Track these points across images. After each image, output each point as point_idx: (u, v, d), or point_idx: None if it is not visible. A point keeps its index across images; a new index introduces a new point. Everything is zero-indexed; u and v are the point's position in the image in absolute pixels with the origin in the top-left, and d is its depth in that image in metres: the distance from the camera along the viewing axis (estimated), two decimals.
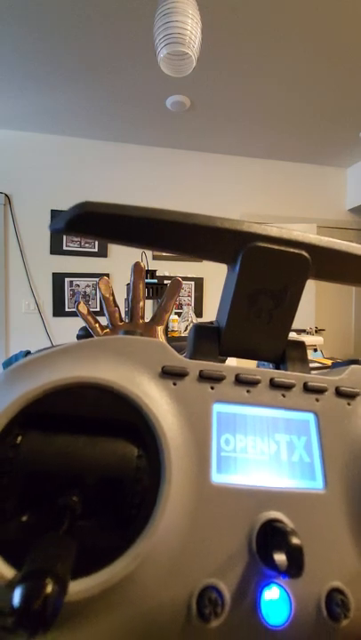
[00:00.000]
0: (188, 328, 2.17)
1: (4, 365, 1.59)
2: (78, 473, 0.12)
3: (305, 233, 0.17)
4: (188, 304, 2.92)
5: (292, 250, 0.16)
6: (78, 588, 0.11)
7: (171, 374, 0.15)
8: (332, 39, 1.74)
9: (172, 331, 2.10)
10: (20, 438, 0.12)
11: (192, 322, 2.19)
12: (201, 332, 0.19)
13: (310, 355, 1.72)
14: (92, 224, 0.15)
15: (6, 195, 2.65)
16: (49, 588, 0.08)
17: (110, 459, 0.13)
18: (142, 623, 0.12)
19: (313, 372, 0.19)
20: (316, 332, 2.79)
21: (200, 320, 2.74)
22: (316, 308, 3.06)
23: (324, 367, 1.19)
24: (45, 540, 0.10)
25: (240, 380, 0.16)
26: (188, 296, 3.01)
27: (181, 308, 2.46)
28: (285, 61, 1.92)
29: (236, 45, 1.79)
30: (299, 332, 2.28)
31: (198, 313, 2.94)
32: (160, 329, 0.44)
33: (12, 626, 0.08)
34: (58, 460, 0.12)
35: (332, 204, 3.35)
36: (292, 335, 0.19)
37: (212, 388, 0.16)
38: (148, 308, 2.78)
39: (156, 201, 2.94)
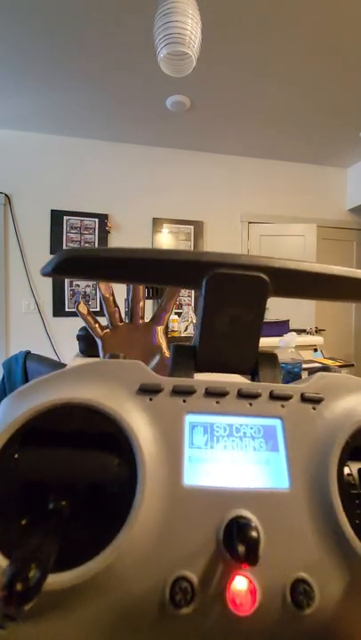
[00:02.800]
0: (189, 328, 2.17)
1: (4, 365, 1.59)
2: (67, 481, 0.14)
3: (261, 256, 0.18)
4: (188, 304, 2.92)
5: (249, 273, 0.18)
6: (64, 578, 0.13)
7: (147, 391, 0.17)
8: (332, 39, 1.74)
9: (173, 331, 2.10)
10: (17, 454, 0.15)
11: (192, 322, 2.19)
12: (179, 351, 0.21)
13: (311, 355, 1.72)
14: (75, 267, 0.18)
15: (6, 195, 2.65)
16: (32, 571, 0.10)
17: (93, 468, 0.15)
18: (122, 610, 0.13)
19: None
20: (316, 332, 2.79)
21: None
22: (316, 309, 3.06)
23: (324, 368, 1.19)
24: (32, 534, 0.12)
25: (209, 393, 0.18)
26: (189, 296, 3.01)
27: (181, 308, 2.46)
28: (286, 61, 1.92)
29: (236, 45, 1.79)
30: (299, 332, 2.28)
31: None
32: (160, 329, 0.44)
33: (1, 601, 0.10)
34: (50, 471, 0.14)
35: (332, 204, 3.35)
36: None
37: (184, 401, 0.17)
38: (148, 308, 2.78)
39: (157, 201, 2.94)
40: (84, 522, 0.14)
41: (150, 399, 0.17)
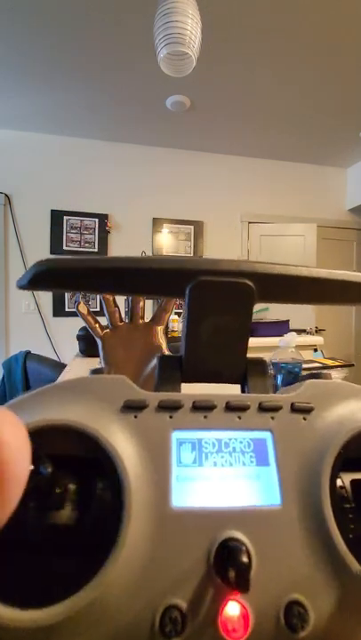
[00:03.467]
0: None
1: (4, 365, 1.59)
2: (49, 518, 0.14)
3: (246, 260, 0.18)
4: None
5: (234, 280, 0.17)
6: (46, 614, 0.12)
7: (131, 408, 0.16)
8: (332, 39, 1.74)
9: (172, 331, 2.10)
10: None
11: None
12: (164, 362, 0.20)
13: (311, 355, 1.72)
14: (52, 279, 0.17)
15: (6, 195, 2.65)
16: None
17: (77, 493, 0.14)
18: None
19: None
20: (316, 332, 2.79)
21: None
22: (316, 308, 3.06)
23: (324, 367, 1.19)
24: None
25: (197, 407, 0.17)
26: None
27: (181, 308, 2.45)
28: (286, 61, 1.92)
29: (236, 45, 1.79)
30: (299, 332, 2.28)
31: None
32: (160, 329, 0.44)
33: None
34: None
35: (332, 204, 3.35)
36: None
37: (170, 416, 0.17)
38: (148, 308, 2.78)
39: (157, 201, 2.94)
40: (67, 551, 0.13)
41: (135, 416, 0.16)
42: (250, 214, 3.15)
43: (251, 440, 0.17)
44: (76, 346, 1.65)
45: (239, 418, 0.17)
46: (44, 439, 0.14)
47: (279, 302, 0.19)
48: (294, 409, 0.17)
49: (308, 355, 1.68)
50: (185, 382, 0.20)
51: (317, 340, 2.00)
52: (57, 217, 2.74)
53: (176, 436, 0.16)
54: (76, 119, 2.53)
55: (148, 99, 2.27)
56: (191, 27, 1.21)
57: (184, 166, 3.00)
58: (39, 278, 0.17)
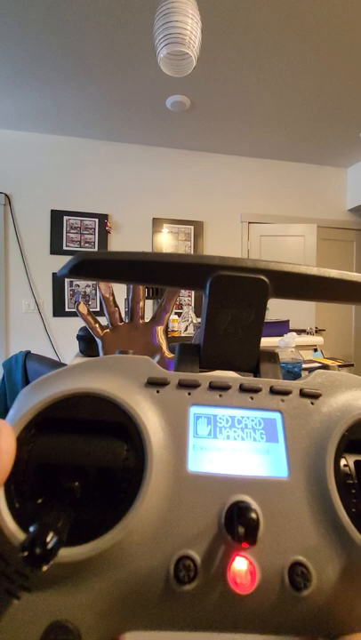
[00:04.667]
0: (189, 328, 2.17)
1: (4, 365, 1.59)
2: (79, 465, 0.15)
3: (262, 259, 0.20)
4: (189, 304, 2.92)
5: (250, 275, 0.19)
6: (76, 551, 0.14)
7: (154, 384, 0.18)
8: (332, 39, 1.75)
9: (172, 331, 2.10)
10: (34, 439, 0.16)
11: (192, 322, 2.19)
12: (184, 349, 0.22)
13: (311, 355, 1.72)
14: (89, 269, 0.19)
15: (6, 195, 2.65)
16: (50, 535, 0.12)
17: (104, 453, 0.16)
18: (129, 585, 0.14)
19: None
20: (316, 332, 2.79)
21: (200, 320, 2.73)
22: (316, 309, 3.06)
23: (324, 367, 1.19)
24: (50, 508, 0.14)
25: (213, 387, 0.19)
26: (189, 296, 3.01)
27: (181, 308, 2.46)
28: (286, 61, 1.92)
29: (236, 45, 1.79)
30: (299, 332, 2.27)
31: (198, 313, 2.94)
32: (160, 329, 0.44)
33: (22, 562, 0.12)
34: (63, 455, 0.16)
35: (332, 204, 3.35)
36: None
37: (189, 393, 0.18)
38: (148, 308, 2.78)
39: (157, 201, 2.94)
40: (95, 502, 0.15)
41: (157, 391, 0.18)
42: (250, 214, 3.15)
43: (262, 419, 0.18)
44: (76, 346, 1.65)
45: (251, 398, 0.19)
46: (74, 406, 0.17)
47: (290, 298, 0.21)
48: (303, 394, 0.19)
49: (307, 355, 1.68)
50: (202, 369, 0.21)
51: (317, 339, 2.00)
52: (57, 217, 2.74)
53: (193, 410, 0.18)
54: (76, 119, 2.53)
55: (148, 99, 2.27)
56: (191, 27, 1.21)
57: (184, 166, 3.00)
58: (79, 268, 0.19)
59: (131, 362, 0.19)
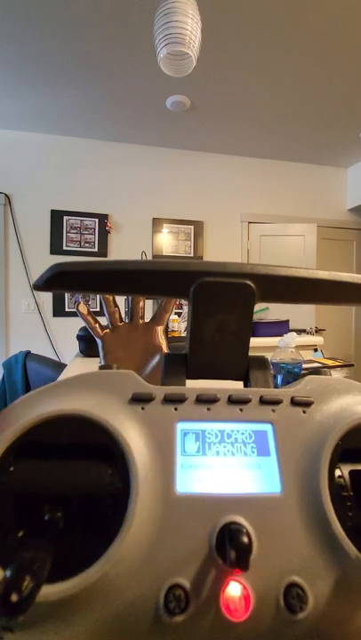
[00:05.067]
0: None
1: (4, 365, 1.59)
2: (61, 492, 0.14)
3: (248, 263, 0.19)
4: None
5: (235, 280, 0.18)
6: (58, 589, 0.13)
7: (139, 400, 0.17)
8: (332, 39, 1.75)
9: (172, 331, 2.10)
10: (12, 467, 0.15)
11: None
12: (170, 359, 0.21)
13: (311, 355, 1.72)
14: (66, 281, 0.18)
15: (6, 195, 2.65)
16: (25, 581, 0.11)
17: (87, 478, 0.15)
18: (117, 620, 0.14)
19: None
20: (316, 332, 2.79)
21: None
22: (316, 308, 3.06)
23: (325, 367, 1.19)
24: (27, 546, 0.13)
25: (200, 400, 0.18)
26: None
27: (181, 308, 2.46)
28: (286, 61, 1.92)
29: (236, 45, 1.79)
30: (299, 332, 2.28)
31: None
32: (160, 329, 0.44)
33: None
34: (44, 482, 0.15)
35: (332, 204, 3.35)
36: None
37: (175, 409, 0.17)
38: (148, 308, 2.78)
39: (157, 201, 2.94)
40: (79, 532, 0.14)
41: (142, 408, 0.17)
42: (250, 214, 3.15)
43: (252, 432, 0.17)
44: (76, 346, 1.65)
45: (241, 410, 0.18)
46: (54, 428, 0.15)
47: (279, 302, 0.20)
48: (294, 402, 0.18)
49: (308, 355, 1.68)
50: (189, 379, 0.21)
51: (317, 339, 2.00)
52: (57, 217, 2.74)
53: (181, 426, 0.17)
54: (76, 119, 2.53)
55: (148, 99, 2.27)
56: (191, 27, 1.21)
57: (184, 166, 3.00)
58: (53, 281, 0.18)
59: (114, 377, 0.18)
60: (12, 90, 2.18)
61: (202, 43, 1.31)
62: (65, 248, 2.76)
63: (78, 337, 1.57)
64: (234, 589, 0.14)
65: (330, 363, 1.27)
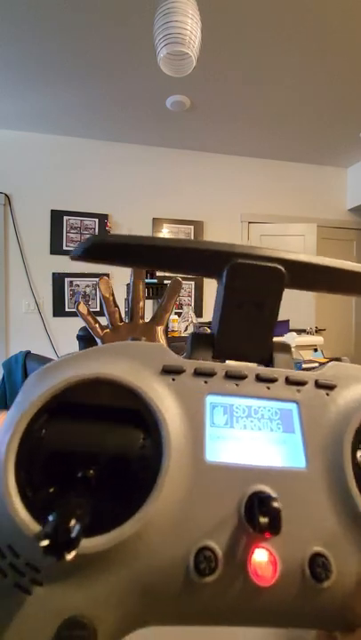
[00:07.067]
0: (189, 328, 2.17)
1: (4, 365, 1.59)
2: (94, 452, 0.15)
3: (279, 249, 0.20)
4: (188, 304, 2.92)
5: (268, 264, 0.19)
6: (93, 543, 0.13)
7: (170, 372, 0.18)
8: (332, 39, 1.74)
9: (172, 331, 2.10)
10: (46, 426, 0.15)
11: (192, 322, 2.19)
12: (197, 338, 0.22)
13: (311, 355, 1.72)
14: (103, 252, 0.19)
15: (6, 195, 2.65)
16: (72, 522, 0.11)
17: (120, 440, 0.15)
18: (147, 577, 0.14)
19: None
20: (316, 331, 2.79)
21: (200, 320, 2.74)
22: (316, 308, 3.06)
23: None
24: (68, 498, 0.13)
25: (229, 375, 0.18)
26: (189, 296, 3.01)
27: (181, 308, 2.46)
28: (286, 61, 1.92)
29: (237, 45, 1.79)
30: (299, 331, 2.27)
31: (198, 313, 2.94)
32: (160, 329, 0.44)
33: (42, 552, 0.11)
34: (77, 442, 0.15)
35: (332, 204, 3.35)
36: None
37: (205, 382, 0.18)
38: (148, 308, 2.78)
39: (157, 201, 2.94)
40: (111, 491, 0.15)
41: (173, 379, 0.18)
42: (250, 214, 3.15)
43: (278, 409, 0.18)
44: (76, 346, 1.65)
45: (268, 388, 0.18)
46: (90, 392, 0.16)
47: (307, 289, 0.21)
48: (318, 385, 0.19)
49: (308, 355, 1.67)
50: (215, 359, 0.21)
51: (317, 339, 2.00)
52: (57, 217, 2.74)
53: (210, 399, 0.18)
54: (76, 119, 2.53)
55: (148, 99, 2.27)
56: (191, 27, 1.21)
57: (184, 166, 3.00)
58: (94, 249, 0.18)
59: (145, 348, 0.19)
60: (12, 90, 2.18)
61: (202, 43, 1.31)
62: (65, 248, 2.76)
63: (78, 337, 1.57)
64: (261, 555, 0.14)
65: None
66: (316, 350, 1.92)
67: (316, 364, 1.22)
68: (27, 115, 2.47)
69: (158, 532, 0.14)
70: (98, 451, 0.15)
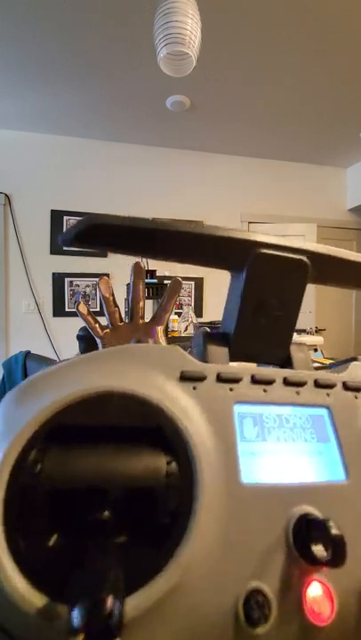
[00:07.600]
0: (189, 328, 2.16)
1: (4, 365, 1.59)
2: (105, 486, 0.12)
3: (304, 241, 0.18)
4: (189, 304, 2.92)
5: (293, 256, 0.17)
6: (130, 604, 0.11)
7: (190, 379, 0.15)
8: (332, 39, 1.74)
9: (172, 331, 2.10)
10: (42, 457, 0.12)
11: (192, 322, 2.19)
12: (211, 338, 0.19)
13: (311, 355, 1.72)
14: (101, 235, 0.15)
15: (6, 195, 2.65)
16: (109, 601, 0.08)
17: (138, 466, 0.12)
18: (193, 633, 0.11)
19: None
20: (316, 331, 2.79)
21: (200, 320, 2.74)
22: (316, 308, 3.06)
23: (324, 367, 1.19)
24: (89, 557, 0.10)
25: (256, 380, 0.16)
26: (189, 296, 3.01)
27: (181, 308, 2.45)
28: (285, 61, 1.91)
29: (237, 45, 1.79)
30: (299, 332, 2.27)
31: (198, 313, 2.94)
32: (160, 329, 0.44)
33: None
34: (83, 473, 0.12)
35: (332, 204, 3.35)
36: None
37: (230, 389, 0.16)
38: (148, 308, 2.78)
39: (157, 201, 2.94)
40: (134, 534, 0.12)
41: (194, 387, 0.15)
42: (250, 214, 3.15)
43: (309, 416, 0.16)
44: (76, 346, 1.65)
45: (297, 393, 0.17)
46: (95, 409, 0.13)
47: (328, 284, 0.19)
48: (347, 387, 0.17)
49: None
50: (231, 360, 0.19)
51: (317, 339, 2.00)
52: (57, 217, 2.74)
53: (238, 409, 0.15)
54: (76, 119, 2.53)
55: (148, 99, 2.27)
56: (191, 27, 1.21)
57: (184, 166, 3.00)
58: (90, 232, 0.15)
59: (158, 352, 0.16)
60: (12, 90, 2.18)
61: (202, 43, 1.31)
62: (65, 248, 2.75)
63: (78, 337, 1.57)
64: (316, 589, 0.12)
65: (330, 363, 1.26)
66: (316, 350, 1.92)
67: (318, 365, 1.22)
68: (27, 115, 2.47)
69: (199, 579, 0.12)
70: (109, 483, 0.12)
